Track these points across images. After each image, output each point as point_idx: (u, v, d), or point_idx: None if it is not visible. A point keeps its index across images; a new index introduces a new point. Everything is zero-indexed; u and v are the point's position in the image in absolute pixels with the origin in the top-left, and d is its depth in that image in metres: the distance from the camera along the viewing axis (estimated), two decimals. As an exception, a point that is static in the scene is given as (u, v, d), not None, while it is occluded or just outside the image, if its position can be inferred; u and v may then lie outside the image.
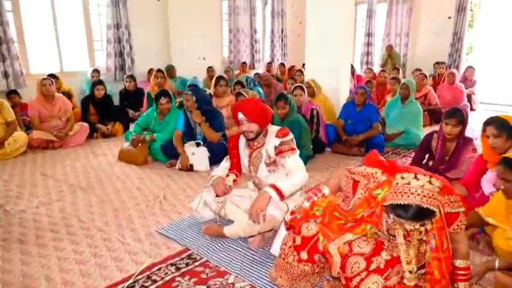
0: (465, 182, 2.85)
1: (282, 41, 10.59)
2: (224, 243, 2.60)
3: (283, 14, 10.40)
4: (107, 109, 5.75)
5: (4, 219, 2.98)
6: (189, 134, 4.30)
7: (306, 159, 4.34)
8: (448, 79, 7.27)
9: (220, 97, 5.28)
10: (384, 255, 1.76)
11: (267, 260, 2.40)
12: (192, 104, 4.12)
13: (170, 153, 4.30)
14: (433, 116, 6.51)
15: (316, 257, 1.92)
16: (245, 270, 2.30)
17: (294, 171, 2.44)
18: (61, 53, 6.72)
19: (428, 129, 5.80)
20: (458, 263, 1.86)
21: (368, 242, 1.82)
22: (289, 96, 4.44)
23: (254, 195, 2.66)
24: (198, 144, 4.22)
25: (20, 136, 4.69)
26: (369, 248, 1.80)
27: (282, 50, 10.65)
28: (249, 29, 9.69)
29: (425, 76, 6.80)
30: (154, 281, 2.21)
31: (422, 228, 1.58)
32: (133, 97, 6.59)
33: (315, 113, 4.67)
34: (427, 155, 3.48)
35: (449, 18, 8.95)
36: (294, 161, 2.50)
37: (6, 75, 5.73)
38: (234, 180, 2.68)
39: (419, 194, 1.53)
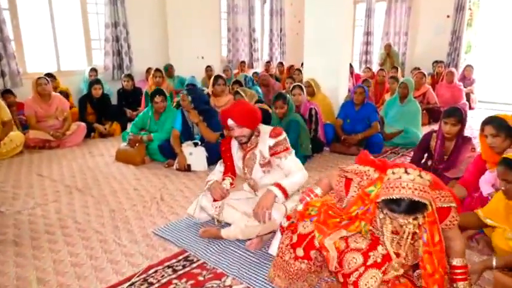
0: (465, 183, 2.83)
1: (280, 40, 10.55)
2: (221, 244, 2.57)
3: (282, 13, 10.37)
4: (104, 109, 5.72)
5: (-1, 220, 2.96)
6: (186, 134, 4.27)
7: (304, 159, 4.33)
8: (447, 78, 7.25)
9: (219, 96, 5.25)
10: (381, 250, 1.77)
11: (265, 262, 2.37)
12: (188, 104, 4.09)
13: (168, 153, 4.28)
14: (432, 114, 6.50)
15: (312, 253, 1.92)
16: (242, 273, 2.28)
17: (293, 172, 2.44)
18: (58, 51, 6.67)
19: (427, 128, 5.80)
20: (455, 261, 1.86)
21: (364, 238, 1.84)
22: (288, 95, 4.42)
23: (251, 196, 2.65)
24: (195, 144, 4.19)
25: (16, 136, 4.65)
26: (366, 243, 1.82)
27: (280, 49, 10.62)
28: (247, 28, 9.65)
29: (424, 75, 6.78)
30: (151, 284, 2.18)
31: (415, 222, 1.60)
32: (131, 96, 6.56)
33: (313, 112, 4.65)
34: (425, 155, 3.46)
35: (448, 17, 8.93)
36: (291, 161, 2.50)
37: (2, 74, 5.69)
38: (231, 184, 2.66)
39: (410, 188, 1.54)
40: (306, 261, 1.93)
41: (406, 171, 1.59)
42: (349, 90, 6.14)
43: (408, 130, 5.09)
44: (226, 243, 2.58)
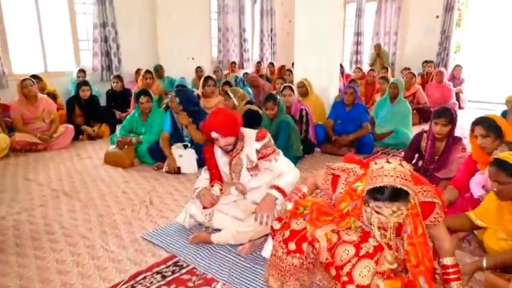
0: (456, 183, 2.83)
1: (271, 40, 10.53)
2: (212, 249, 2.53)
3: (272, 13, 10.34)
4: (92, 110, 5.63)
5: (-17, 226, 2.88)
6: (176, 136, 4.22)
7: (295, 160, 4.30)
8: (437, 78, 7.29)
9: (209, 97, 5.21)
10: (372, 242, 1.80)
11: (256, 266, 2.34)
12: (176, 106, 4.04)
13: (157, 156, 4.22)
14: (422, 114, 6.52)
15: (304, 246, 1.93)
16: (233, 277, 2.24)
17: (286, 172, 2.45)
18: (45, 52, 6.57)
19: (417, 128, 5.81)
20: (446, 260, 1.87)
21: (355, 231, 1.87)
22: (278, 96, 4.39)
23: (239, 200, 2.61)
24: (185, 146, 4.15)
25: (2, 139, 4.55)
26: (357, 235, 1.85)
27: (271, 49, 10.60)
28: (238, 28, 9.61)
29: (414, 75, 6.80)
30: (139, 291, 2.14)
31: (399, 212, 1.64)
32: (120, 98, 6.47)
33: (304, 113, 4.63)
34: (416, 155, 3.46)
35: (437, 17, 8.98)
36: (282, 162, 2.50)
37: (-13, 75, 5.58)
38: (220, 190, 2.61)
39: (392, 176, 1.61)
40: (298, 255, 1.93)
41: (387, 161, 1.67)
42: (339, 91, 6.13)
43: (399, 130, 5.10)
44: (217, 248, 2.53)
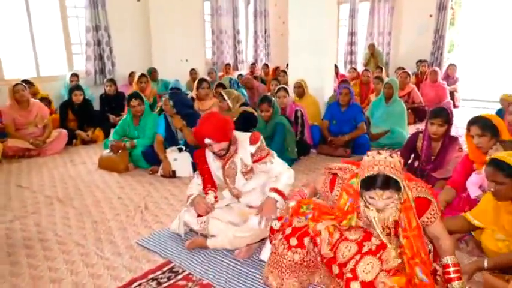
0: (453, 183, 2.82)
1: (265, 41, 10.52)
2: (208, 254, 2.49)
3: (266, 14, 10.33)
4: (86, 115, 5.58)
5: (-25, 235, 2.83)
6: (170, 139, 4.19)
7: (290, 162, 4.28)
8: (431, 77, 7.30)
9: (203, 100, 5.17)
10: (374, 241, 1.83)
11: (253, 270, 2.31)
12: (170, 109, 4.01)
13: (152, 160, 4.18)
14: (417, 114, 6.54)
15: (306, 240, 1.93)
16: (230, 283, 2.21)
17: (282, 173, 2.45)
18: (37, 56, 6.50)
19: (412, 128, 5.82)
20: (446, 259, 1.88)
21: (357, 231, 1.91)
22: (273, 98, 4.37)
23: (233, 204, 2.58)
24: (180, 150, 4.11)
25: (-6, 145, 4.50)
26: (359, 235, 1.88)
27: (265, 50, 10.59)
28: (231, 30, 9.59)
29: (409, 74, 6.81)
30: (134, 299, 2.10)
31: (391, 201, 1.72)
32: (114, 101, 6.42)
33: (299, 114, 4.61)
34: (412, 155, 3.44)
35: (431, 16, 9.00)
36: (278, 163, 2.50)
37: (-22, 80, 5.52)
38: (215, 197, 2.55)
39: (382, 165, 1.70)
40: (299, 250, 1.93)
41: (378, 152, 1.76)
42: (334, 91, 6.12)
43: (394, 130, 5.09)
44: (213, 253, 2.50)
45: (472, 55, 11.91)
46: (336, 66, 7.64)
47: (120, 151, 4.27)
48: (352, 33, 10.29)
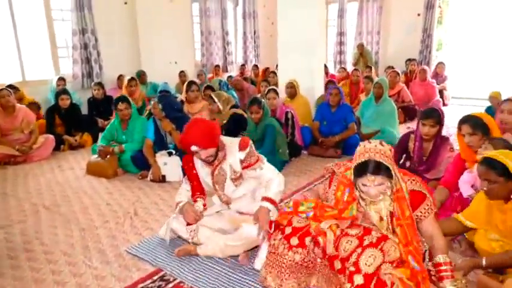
0: (446, 183, 2.81)
1: (254, 42, 10.48)
2: (199, 261, 2.45)
3: (255, 15, 10.30)
4: (73, 119, 5.48)
5: (-43, 246, 2.74)
6: (160, 143, 4.12)
7: (282, 164, 4.25)
8: (420, 76, 7.33)
9: (193, 103, 5.11)
10: (375, 234, 1.85)
11: (245, 277, 2.27)
12: (159, 112, 3.95)
13: (141, 164, 4.12)
14: (407, 113, 6.56)
15: (307, 240, 1.92)
16: (222, 290, 2.16)
17: (272, 179, 2.41)
18: (22, 61, 6.38)
19: (402, 126, 5.84)
20: (438, 258, 1.89)
21: (357, 227, 1.93)
22: (263, 100, 4.34)
23: (223, 210, 2.53)
24: (170, 154, 4.05)
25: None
26: (359, 230, 1.90)
27: (254, 51, 10.54)
28: (220, 31, 9.54)
29: (398, 74, 6.83)
30: (124, 309, 2.04)
31: (382, 188, 1.79)
32: (102, 105, 6.33)
33: (289, 116, 4.59)
34: (403, 156, 3.43)
35: (419, 15, 9.04)
36: (268, 169, 2.46)
37: (-39, 85, 5.37)
38: (204, 205, 2.50)
39: (372, 151, 1.78)
40: (300, 249, 1.92)
41: (369, 141, 1.86)
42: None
43: (385, 130, 5.08)
44: (204, 260, 2.45)
45: (460, 53, 12.00)
46: (325, 66, 7.65)
47: (108, 156, 4.20)
48: (341, 33, 10.30)
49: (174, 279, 2.29)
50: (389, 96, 5.62)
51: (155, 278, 2.31)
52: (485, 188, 2.09)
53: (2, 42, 6.43)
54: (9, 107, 4.79)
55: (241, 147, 2.36)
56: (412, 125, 6.22)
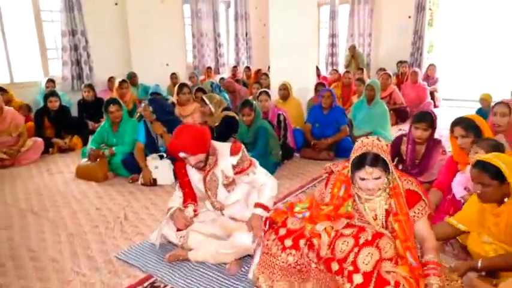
0: (439, 186, 2.81)
1: (246, 44, 10.46)
2: (190, 266, 2.40)
3: (246, 17, 10.28)
4: (63, 121, 5.39)
5: None
6: (151, 146, 4.07)
7: (274, 166, 4.23)
8: (411, 78, 7.36)
9: (184, 105, 5.07)
10: (369, 230, 1.87)
11: (237, 283, 2.23)
12: (149, 115, 3.90)
13: (132, 167, 4.06)
14: (399, 115, 6.58)
15: (301, 243, 1.91)
16: (213, 297, 2.13)
17: (265, 183, 2.38)
18: (11, 62, 6.29)
19: (394, 128, 5.85)
20: (428, 257, 1.89)
21: (352, 227, 1.94)
22: (254, 102, 4.31)
23: (216, 217, 2.50)
24: (161, 157, 4.00)
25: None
26: (354, 229, 1.91)
27: (247, 53, 10.52)
28: (212, 33, 9.50)
29: (390, 76, 6.85)
30: (113, 318, 1.99)
31: (380, 181, 1.84)
32: (92, 107, 6.23)
33: (281, 118, 4.57)
34: (396, 158, 3.42)
35: (410, 17, 9.09)
36: (261, 173, 2.43)
37: None
38: (195, 211, 2.45)
39: (370, 145, 1.83)
40: (294, 251, 1.91)
41: (366, 137, 1.90)
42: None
43: (377, 132, 5.08)
44: (195, 265, 2.41)
45: (451, 55, 12.10)
46: (317, 68, 7.64)
47: (98, 159, 4.13)
48: (333, 35, 10.32)
49: (165, 286, 2.24)
50: (381, 98, 5.63)
51: (146, 284, 2.27)
52: (478, 192, 2.08)
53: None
54: (-4, 110, 4.70)
55: (233, 152, 2.32)
56: (404, 127, 6.24)
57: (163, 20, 7.91)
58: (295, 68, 5.68)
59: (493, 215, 2.13)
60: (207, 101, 4.60)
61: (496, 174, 1.97)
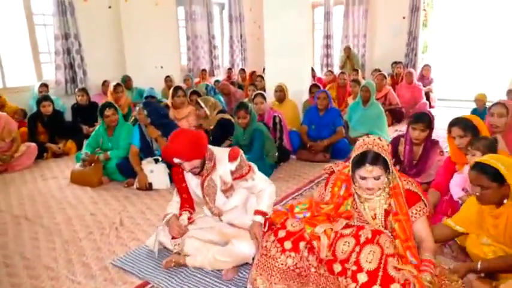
0: (437, 186, 2.80)
1: (241, 46, 10.43)
2: (187, 272, 2.37)
3: (241, 19, 10.25)
4: (57, 126, 5.33)
5: None
6: (146, 150, 4.04)
7: (271, 168, 4.21)
8: (406, 79, 7.36)
9: (179, 108, 5.03)
10: (368, 228, 1.88)
11: (235, 289, 2.20)
12: (144, 118, 3.86)
13: (127, 172, 4.02)
14: (394, 115, 6.58)
15: (301, 245, 1.90)
16: (211, 303, 2.10)
17: (264, 190, 2.36)
18: (3, 67, 6.22)
19: (390, 129, 5.85)
20: (425, 256, 1.91)
21: (351, 227, 1.94)
22: (250, 104, 4.29)
23: (214, 224, 2.47)
24: (156, 161, 3.96)
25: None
26: (353, 228, 1.91)
27: (241, 55, 10.49)
28: (207, 35, 9.46)
29: (385, 76, 6.85)
30: (109, 326, 1.96)
31: (380, 181, 1.86)
32: (87, 112, 6.18)
33: (277, 120, 4.55)
34: (393, 160, 3.41)
35: (404, 18, 9.11)
36: (260, 179, 2.39)
37: None
38: (189, 219, 2.42)
39: (371, 144, 1.87)
40: (293, 254, 1.89)
41: (367, 136, 1.95)
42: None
43: (373, 133, 5.05)
44: (192, 271, 2.38)
45: (445, 56, 12.13)
46: (312, 70, 7.63)
47: (93, 164, 4.09)
48: (327, 36, 10.32)
49: (162, 293, 2.21)
50: (377, 99, 5.62)
51: (142, 291, 2.24)
52: (478, 194, 2.06)
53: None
54: (-12, 115, 4.64)
55: (232, 158, 2.28)
56: (400, 127, 6.25)
57: (157, 23, 7.87)
58: (291, 69, 5.67)
59: (492, 216, 2.12)
60: (203, 104, 4.57)
61: (495, 176, 1.96)
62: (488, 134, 2.76)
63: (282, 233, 1.94)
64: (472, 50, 13.56)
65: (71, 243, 2.82)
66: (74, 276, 2.40)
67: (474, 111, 5.27)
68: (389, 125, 6.13)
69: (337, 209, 1.99)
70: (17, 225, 3.18)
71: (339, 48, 10.14)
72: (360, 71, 8.27)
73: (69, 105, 6.31)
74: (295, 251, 1.90)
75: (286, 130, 4.65)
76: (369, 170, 1.83)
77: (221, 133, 4.56)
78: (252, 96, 4.82)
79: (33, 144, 4.97)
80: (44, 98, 5.30)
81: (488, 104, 5.18)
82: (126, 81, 7.12)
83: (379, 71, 7.70)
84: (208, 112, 4.62)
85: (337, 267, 1.83)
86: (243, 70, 9.32)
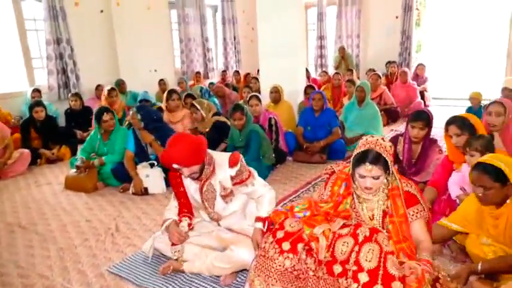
0: (435, 184, 2.79)
1: (235, 48, 10.40)
2: (184, 278, 2.34)
3: (234, 21, 10.23)
4: (50, 132, 5.27)
5: None
6: (141, 155, 3.99)
7: (267, 169, 4.18)
8: (401, 78, 7.36)
9: (174, 112, 4.99)
10: (365, 226, 1.89)
11: (234, 294, 2.17)
12: (138, 122, 3.82)
13: (122, 177, 3.98)
14: (390, 115, 6.58)
15: (299, 247, 1.88)
16: (210, 309, 2.06)
17: (264, 195, 2.33)
18: (-5, 73, 6.16)
19: (386, 129, 5.85)
20: (423, 255, 1.89)
21: (347, 227, 1.94)
22: (245, 106, 4.26)
23: (213, 229, 2.43)
24: (151, 165, 3.92)
25: None
26: (350, 227, 1.91)
27: (235, 57, 10.47)
28: (200, 38, 9.43)
29: (379, 76, 6.85)
30: (106, 335, 1.92)
31: (379, 181, 1.87)
32: (80, 117, 6.14)
33: (273, 122, 4.53)
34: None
35: (397, 17, 9.14)
36: (259, 184, 2.37)
37: None
38: (189, 225, 2.36)
39: (373, 143, 1.87)
40: (291, 255, 1.87)
41: (371, 136, 1.94)
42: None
43: (369, 133, 5.04)
44: (190, 277, 2.34)
45: (439, 54, 12.19)
46: (307, 70, 7.62)
47: (87, 170, 4.04)
48: (321, 37, 10.33)
49: (159, 300, 2.18)
50: (371, 99, 5.62)
51: (139, 298, 2.20)
52: (480, 195, 2.03)
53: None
54: (-20, 122, 4.58)
55: (232, 163, 2.24)
56: (395, 127, 6.25)
57: (150, 26, 7.82)
58: (285, 71, 5.66)
59: (492, 217, 2.10)
60: (198, 107, 4.54)
61: (498, 175, 1.94)
62: (485, 133, 2.75)
63: (280, 234, 1.92)
64: (465, 49, 13.64)
65: (66, 251, 2.78)
66: (70, 284, 2.36)
67: (469, 110, 5.28)
68: (384, 125, 6.14)
69: (337, 208, 1.99)
70: (10, 232, 3.12)
71: (333, 48, 10.16)
72: (354, 71, 8.27)
73: (62, 110, 6.25)
74: (294, 253, 1.88)
75: (282, 131, 4.63)
76: (368, 169, 1.83)
77: (217, 135, 4.53)
78: (247, 98, 4.79)
79: (26, 151, 4.90)
80: (36, 103, 5.24)
81: (483, 103, 5.19)
82: (120, 85, 7.06)
83: (374, 70, 7.70)
84: (204, 114, 4.59)
85: (338, 269, 1.81)
86: (237, 72, 9.30)
